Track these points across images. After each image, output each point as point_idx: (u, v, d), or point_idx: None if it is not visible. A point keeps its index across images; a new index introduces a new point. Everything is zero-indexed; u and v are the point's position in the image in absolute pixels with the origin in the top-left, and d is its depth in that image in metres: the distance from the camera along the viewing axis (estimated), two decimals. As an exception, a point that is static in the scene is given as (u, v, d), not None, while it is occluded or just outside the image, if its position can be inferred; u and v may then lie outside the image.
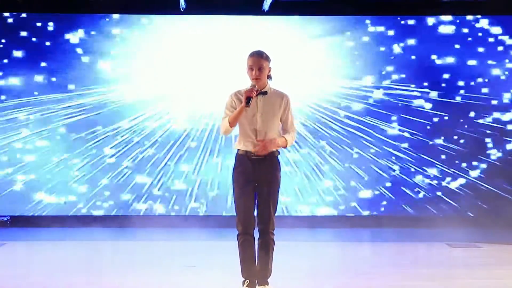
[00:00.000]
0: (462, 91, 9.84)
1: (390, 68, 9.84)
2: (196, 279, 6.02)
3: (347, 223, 9.62)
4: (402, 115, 9.84)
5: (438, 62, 9.85)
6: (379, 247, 8.18)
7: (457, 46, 9.84)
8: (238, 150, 5.11)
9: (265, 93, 5.05)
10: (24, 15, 9.69)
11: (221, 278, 5.95)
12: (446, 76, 9.86)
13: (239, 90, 5.11)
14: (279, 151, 5.14)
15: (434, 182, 9.80)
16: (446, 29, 9.86)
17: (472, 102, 9.83)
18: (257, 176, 5.02)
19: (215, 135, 9.75)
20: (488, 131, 9.82)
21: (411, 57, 9.83)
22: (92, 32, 9.74)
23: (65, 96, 9.73)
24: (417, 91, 9.85)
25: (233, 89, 5.16)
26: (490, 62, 9.83)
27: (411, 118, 9.85)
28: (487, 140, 9.84)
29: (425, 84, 9.85)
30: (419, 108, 9.85)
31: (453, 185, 9.80)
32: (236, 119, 4.98)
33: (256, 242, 5.09)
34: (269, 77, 5.10)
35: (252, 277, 5.05)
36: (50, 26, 9.72)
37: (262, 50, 5.13)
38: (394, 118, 9.85)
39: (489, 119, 9.82)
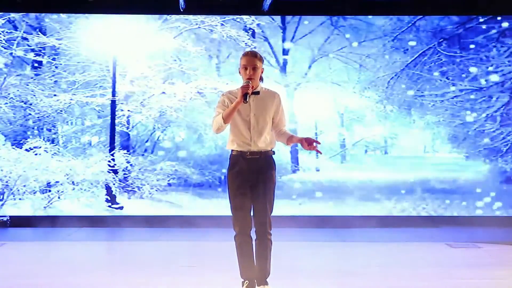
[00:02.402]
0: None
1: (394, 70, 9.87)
2: (196, 279, 6.02)
3: (346, 223, 9.61)
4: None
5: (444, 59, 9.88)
6: (379, 247, 8.17)
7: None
8: (232, 150, 5.10)
9: (258, 93, 5.06)
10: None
11: (220, 279, 5.95)
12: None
13: (231, 90, 5.15)
14: (273, 151, 5.15)
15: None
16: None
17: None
18: (252, 175, 5.02)
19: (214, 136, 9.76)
20: None
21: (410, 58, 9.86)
22: (90, 32, 9.74)
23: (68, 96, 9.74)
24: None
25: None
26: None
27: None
28: None
29: (422, 85, 9.87)
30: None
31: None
32: (231, 115, 4.95)
33: (253, 243, 5.09)
34: (261, 78, 5.12)
35: (251, 278, 5.06)
36: (47, 25, 9.73)
37: (255, 50, 5.16)
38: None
39: None
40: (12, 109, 9.73)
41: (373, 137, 9.88)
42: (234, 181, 5.05)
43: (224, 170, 9.65)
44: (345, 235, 9.04)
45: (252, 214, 5.09)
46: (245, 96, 4.87)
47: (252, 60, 5.02)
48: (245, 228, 5.03)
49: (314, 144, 4.97)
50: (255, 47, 9.61)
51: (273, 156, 5.15)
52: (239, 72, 5.10)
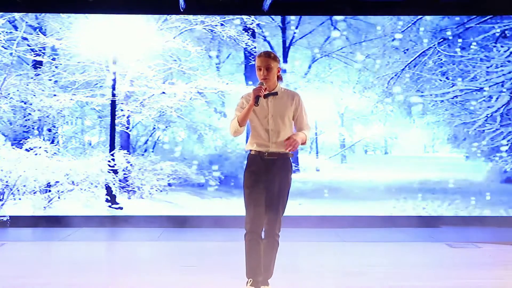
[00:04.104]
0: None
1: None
2: (196, 279, 6.02)
3: (346, 223, 9.61)
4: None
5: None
6: (379, 247, 8.17)
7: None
8: (250, 150, 5.05)
9: (275, 93, 4.99)
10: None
11: (221, 279, 5.94)
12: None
13: (249, 92, 5.01)
14: (292, 153, 5.09)
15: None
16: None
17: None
18: (268, 176, 4.98)
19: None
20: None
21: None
22: (90, 32, 9.74)
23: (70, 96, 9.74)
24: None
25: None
26: None
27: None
28: None
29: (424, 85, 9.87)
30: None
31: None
32: (245, 118, 4.90)
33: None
34: (279, 77, 5.04)
35: (256, 277, 4.99)
36: (47, 25, 9.73)
37: (270, 50, 5.11)
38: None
39: None
40: (12, 109, 9.73)
41: (373, 137, 9.88)
42: (249, 180, 5.00)
43: (225, 170, 9.66)
44: (345, 235, 9.03)
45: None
46: (256, 98, 4.80)
47: (265, 61, 4.95)
48: (256, 227, 4.96)
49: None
50: (255, 47, 9.62)
51: (290, 158, 5.09)
52: (256, 73, 5.03)
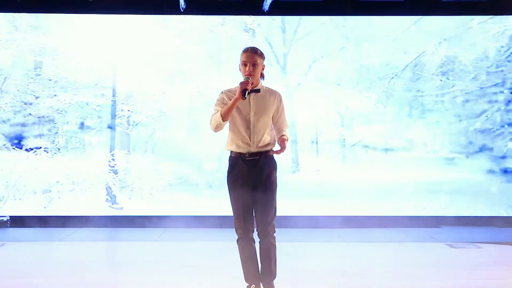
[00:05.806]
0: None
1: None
2: (196, 279, 6.02)
3: (346, 223, 9.61)
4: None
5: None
6: (379, 247, 8.17)
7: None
8: (231, 152, 4.96)
9: (258, 90, 4.92)
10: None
11: (221, 278, 5.95)
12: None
13: (230, 88, 4.99)
14: (273, 150, 5.01)
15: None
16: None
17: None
18: (253, 177, 4.87)
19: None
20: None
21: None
22: (90, 32, 9.75)
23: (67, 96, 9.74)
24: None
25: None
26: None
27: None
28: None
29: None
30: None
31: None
32: (229, 113, 4.81)
33: (257, 244, 5.00)
34: (262, 75, 4.99)
35: (256, 281, 4.93)
36: (47, 25, 9.73)
37: (256, 46, 5.04)
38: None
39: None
40: (12, 109, 9.73)
41: (373, 137, 9.88)
42: (234, 184, 4.91)
43: (225, 170, 9.65)
44: (345, 235, 9.03)
45: (254, 215, 4.94)
46: (243, 92, 4.72)
47: (252, 56, 4.88)
48: (247, 232, 4.90)
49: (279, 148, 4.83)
50: (255, 47, 9.59)
51: (274, 156, 4.98)
52: (239, 69, 4.99)
